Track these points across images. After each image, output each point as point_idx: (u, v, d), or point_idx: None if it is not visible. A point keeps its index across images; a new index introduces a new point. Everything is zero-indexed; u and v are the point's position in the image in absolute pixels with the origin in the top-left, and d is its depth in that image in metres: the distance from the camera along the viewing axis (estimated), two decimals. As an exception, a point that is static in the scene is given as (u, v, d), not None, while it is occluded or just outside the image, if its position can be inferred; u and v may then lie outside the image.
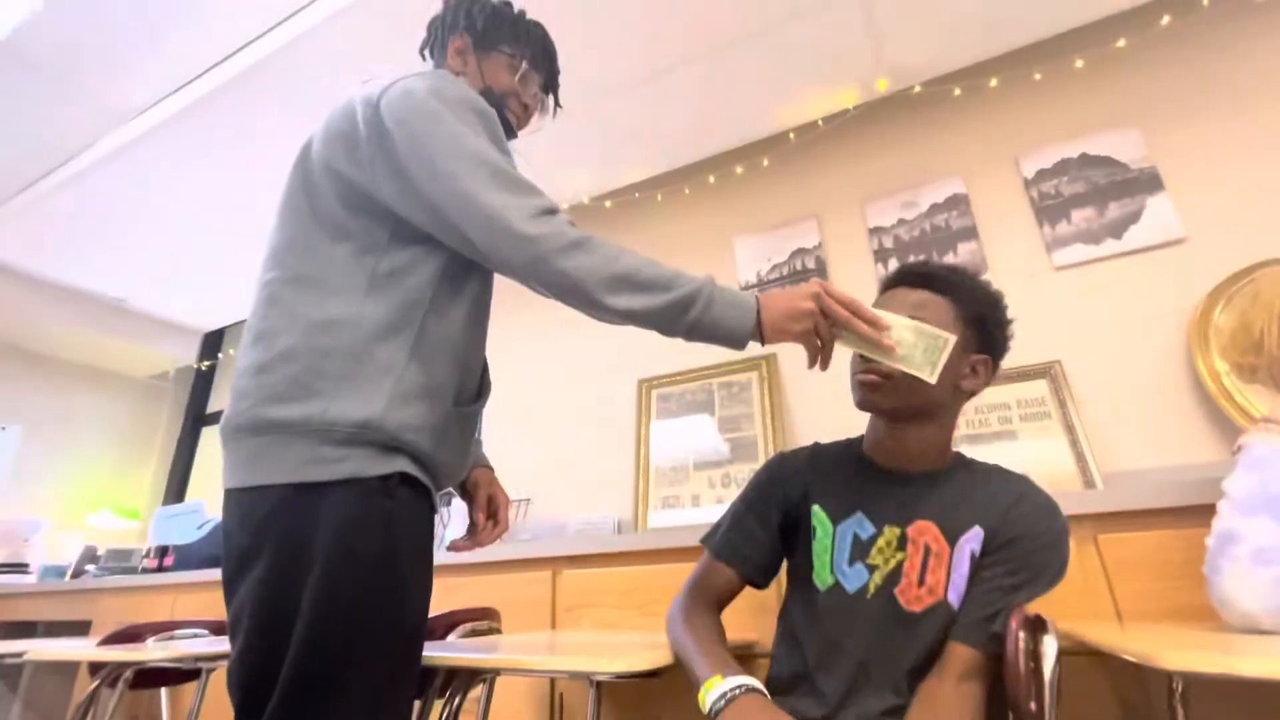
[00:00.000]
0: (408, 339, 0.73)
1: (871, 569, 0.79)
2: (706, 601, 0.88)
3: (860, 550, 0.81)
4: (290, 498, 0.66)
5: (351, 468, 0.66)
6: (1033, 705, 0.66)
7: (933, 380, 0.73)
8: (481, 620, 1.34)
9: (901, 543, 0.79)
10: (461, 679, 0.90)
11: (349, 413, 0.67)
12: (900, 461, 0.84)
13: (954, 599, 0.75)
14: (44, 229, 2.58)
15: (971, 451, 1.73)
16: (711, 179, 2.32)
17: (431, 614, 1.23)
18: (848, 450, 0.91)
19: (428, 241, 0.77)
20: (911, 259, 1.91)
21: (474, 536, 0.92)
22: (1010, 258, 1.79)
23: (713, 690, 0.67)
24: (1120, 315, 1.61)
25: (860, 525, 0.82)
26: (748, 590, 0.92)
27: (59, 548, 2.96)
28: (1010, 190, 1.84)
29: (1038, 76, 1.88)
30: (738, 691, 0.67)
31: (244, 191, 2.38)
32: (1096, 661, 0.99)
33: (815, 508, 0.86)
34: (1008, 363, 1.64)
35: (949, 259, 1.86)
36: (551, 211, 0.72)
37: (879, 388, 0.79)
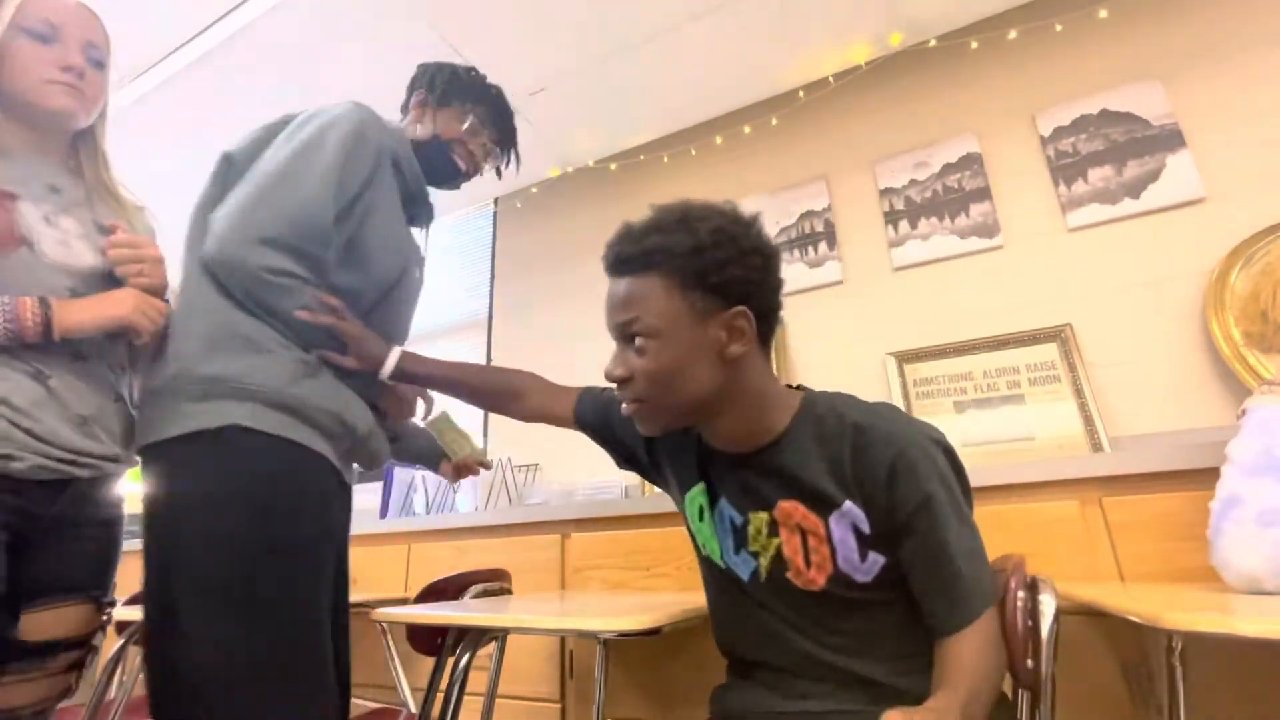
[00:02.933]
0: None
1: (755, 555, 0.75)
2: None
3: (739, 538, 0.76)
4: None
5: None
6: (1030, 663, 0.67)
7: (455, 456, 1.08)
8: (493, 581, 1.37)
9: (773, 529, 0.73)
10: (472, 637, 0.92)
11: None
12: (731, 446, 0.76)
13: (844, 566, 0.69)
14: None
15: (978, 417, 1.71)
16: (719, 140, 2.27)
17: (444, 575, 1.27)
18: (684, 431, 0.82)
19: None
20: (922, 221, 1.87)
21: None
22: (1023, 219, 1.75)
23: None
24: (1135, 277, 1.58)
25: (731, 511, 0.77)
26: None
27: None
28: (1026, 149, 1.79)
29: (1059, 28, 1.80)
30: None
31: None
32: (1096, 621, 1.00)
33: (699, 488, 0.80)
34: (1017, 326, 1.65)
35: (960, 220, 1.82)
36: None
37: (640, 416, 0.73)
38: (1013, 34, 1.85)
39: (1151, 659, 0.96)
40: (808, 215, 2.06)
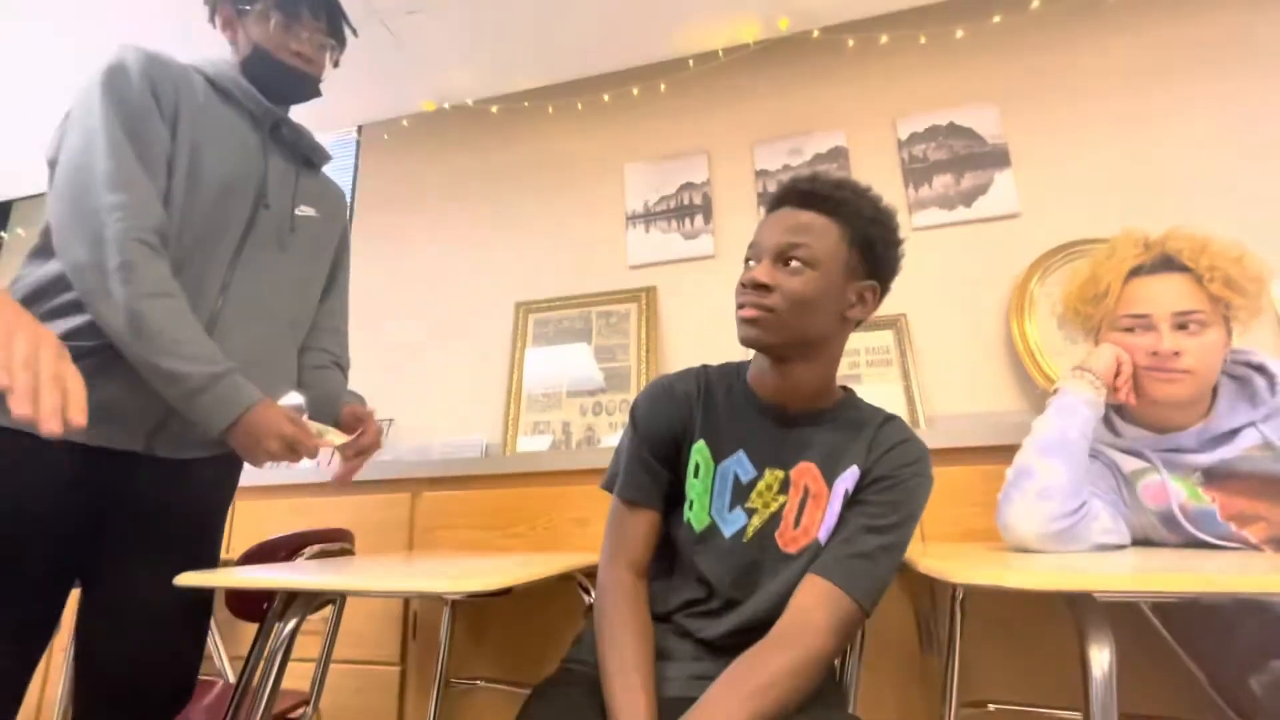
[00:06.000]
0: None
1: (750, 513, 0.77)
2: (635, 566, 0.78)
3: (740, 494, 0.78)
4: None
5: None
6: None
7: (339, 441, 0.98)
8: (333, 541, 1.27)
9: (784, 486, 0.77)
10: (302, 601, 0.85)
11: None
12: (785, 398, 0.80)
13: (823, 537, 0.75)
14: None
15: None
16: (606, 98, 2.21)
17: (279, 534, 1.16)
18: (734, 379, 0.86)
19: None
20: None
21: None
22: (877, 214, 1.90)
23: None
24: (958, 277, 1.79)
25: (741, 465, 0.79)
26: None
27: None
28: (885, 150, 1.94)
29: (923, 40, 1.95)
30: None
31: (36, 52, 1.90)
32: (899, 576, 1.15)
33: (700, 443, 0.80)
34: (863, 313, 1.80)
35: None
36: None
37: (760, 322, 0.75)
38: (884, 38, 1.98)
39: (939, 603, 1.12)
40: (687, 187, 2.09)
